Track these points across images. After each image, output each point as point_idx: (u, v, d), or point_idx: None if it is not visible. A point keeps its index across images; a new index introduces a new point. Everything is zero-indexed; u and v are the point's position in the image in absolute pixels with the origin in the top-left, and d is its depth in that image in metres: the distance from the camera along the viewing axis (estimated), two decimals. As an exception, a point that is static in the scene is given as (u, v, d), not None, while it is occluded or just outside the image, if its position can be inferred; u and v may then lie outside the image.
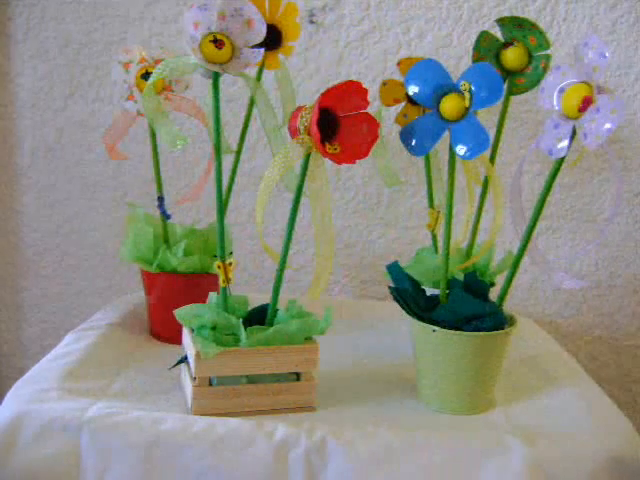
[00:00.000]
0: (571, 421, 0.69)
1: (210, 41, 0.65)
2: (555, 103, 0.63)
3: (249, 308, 0.72)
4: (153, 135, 0.84)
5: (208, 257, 0.86)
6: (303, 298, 0.76)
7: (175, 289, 0.86)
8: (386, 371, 0.82)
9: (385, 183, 0.91)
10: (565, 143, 0.62)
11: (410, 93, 0.67)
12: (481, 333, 0.68)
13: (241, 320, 0.69)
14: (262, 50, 0.67)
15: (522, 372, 0.82)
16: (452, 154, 0.68)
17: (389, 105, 0.89)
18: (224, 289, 0.70)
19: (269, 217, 1.12)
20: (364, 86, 0.63)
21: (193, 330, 0.70)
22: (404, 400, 0.74)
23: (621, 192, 1.07)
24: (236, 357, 0.67)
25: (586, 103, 0.60)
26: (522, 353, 0.87)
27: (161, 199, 0.86)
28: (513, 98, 0.83)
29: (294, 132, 0.64)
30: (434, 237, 0.91)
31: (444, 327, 0.69)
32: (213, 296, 0.72)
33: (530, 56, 0.80)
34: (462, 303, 0.69)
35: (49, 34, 1.08)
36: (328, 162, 0.64)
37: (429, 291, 0.76)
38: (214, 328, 0.68)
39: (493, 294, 0.74)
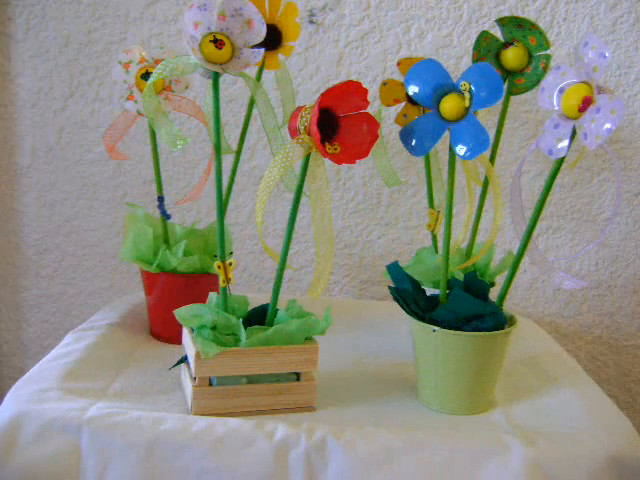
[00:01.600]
0: (571, 421, 0.69)
1: (210, 41, 0.65)
2: (555, 103, 0.63)
3: (249, 308, 0.72)
4: (153, 135, 0.84)
5: (208, 257, 0.86)
6: (303, 298, 0.76)
7: (175, 289, 0.86)
8: (386, 371, 0.82)
9: (385, 183, 0.91)
10: (565, 143, 0.62)
11: (410, 93, 0.67)
12: (481, 333, 0.68)
13: (241, 320, 0.69)
14: (262, 50, 0.67)
15: (522, 372, 0.82)
16: (452, 154, 0.68)
17: (389, 105, 0.89)
18: (224, 289, 0.70)
19: (269, 217, 1.12)
20: (364, 86, 0.63)
21: (193, 330, 0.70)
22: (404, 400, 0.74)
23: (621, 192, 1.07)
24: (236, 357, 0.67)
25: (586, 103, 0.60)
26: (522, 353, 0.87)
27: (161, 199, 0.86)
28: (513, 98, 0.83)
29: (294, 132, 0.64)
30: (434, 237, 0.91)
31: (444, 327, 0.69)
32: (213, 296, 0.72)
33: (530, 56, 0.80)
34: (462, 303, 0.69)
35: (49, 34, 1.08)
36: (328, 162, 0.64)
37: (429, 291, 0.76)
38: (214, 328, 0.68)
39: (493, 294, 0.73)
